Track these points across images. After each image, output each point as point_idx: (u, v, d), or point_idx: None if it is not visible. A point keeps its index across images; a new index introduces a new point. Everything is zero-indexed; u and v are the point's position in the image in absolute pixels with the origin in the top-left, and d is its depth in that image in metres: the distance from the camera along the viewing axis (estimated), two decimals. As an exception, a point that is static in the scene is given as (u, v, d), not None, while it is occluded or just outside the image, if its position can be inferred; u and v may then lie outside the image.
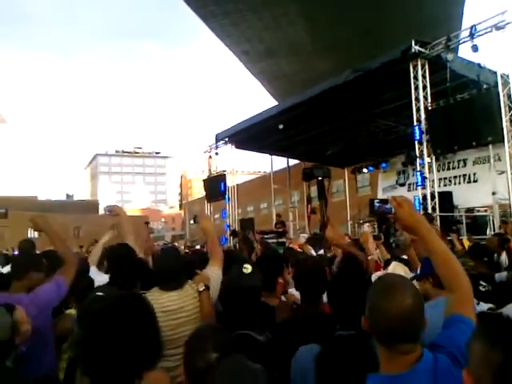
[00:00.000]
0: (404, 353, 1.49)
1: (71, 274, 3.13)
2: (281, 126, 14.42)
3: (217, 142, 18.22)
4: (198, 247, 13.56)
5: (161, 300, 2.94)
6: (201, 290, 2.99)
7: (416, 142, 10.93)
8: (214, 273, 3.21)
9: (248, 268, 2.62)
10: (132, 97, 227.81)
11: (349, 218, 20.23)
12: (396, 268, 4.00)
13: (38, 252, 5.31)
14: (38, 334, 2.49)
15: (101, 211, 47.12)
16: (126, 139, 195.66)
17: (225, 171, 18.86)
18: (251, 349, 2.09)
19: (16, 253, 10.06)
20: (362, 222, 16.63)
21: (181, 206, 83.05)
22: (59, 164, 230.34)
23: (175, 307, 2.94)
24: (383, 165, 18.59)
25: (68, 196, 74.26)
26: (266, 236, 14.39)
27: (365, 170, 19.91)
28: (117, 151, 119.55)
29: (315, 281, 2.82)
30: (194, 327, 2.62)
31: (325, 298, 2.82)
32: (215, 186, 18.50)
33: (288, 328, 2.54)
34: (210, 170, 19.47)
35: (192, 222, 3.86)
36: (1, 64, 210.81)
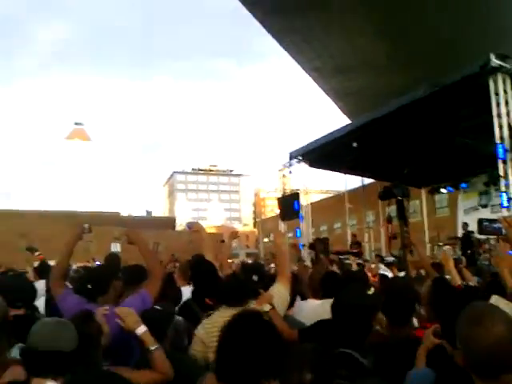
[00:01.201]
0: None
1: (157, 287, 3.19)
2: (355, 144, 14.27)
3: (290, 160, 18.33)
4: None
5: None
6: (267, 310, 2.93)
7: (500, 161, 10.39)
8: (280, 292, 3.19)
9: (371, 290, 2.63)
10: (208, 115, 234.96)
11: (427, 240, 19.46)
12: (498, 302, 3.64)
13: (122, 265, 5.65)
14: (123, 348, 2.63)
15: (178, 227, 48.68)
16: (201, 157, 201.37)
17: (299, 190, 18.89)
18: (352, 370, 2.06)
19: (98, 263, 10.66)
20: (441, 244, 15.95)
21: (255, 224, 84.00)
22: (139, 181, 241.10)
23: None
24: (463, 185, 17.80)
25: (147, 212, 77.35)
26: (341, 256, 14.21)
27: (443, 191, 19.11)
28: (193, 169, 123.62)
29: (406, 303, 2.78)
30: None
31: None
32: (289, 204, 18.54)
33: (386, 352, 2.47)
34: (283, 188, 19.59)
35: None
36: (84, 83, 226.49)
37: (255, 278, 3.81)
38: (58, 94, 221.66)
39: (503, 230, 1.83)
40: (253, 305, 3.02)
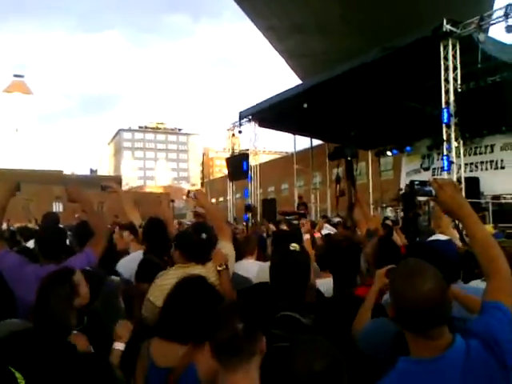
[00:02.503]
0: (432, 338, 1.46)
1: (102, 245, 3.19)
2: (305, 105, 14.27)
3: (240, 119, 18.16)
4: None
5: (186, 273, 2.95)
6: (220, 268, 3.01)
7: (444, 125, 10.71)
8: (227, 249, 3.24)
9: (296, 247, 2.57)
10: (156, 72, 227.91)
11: (371, 202, 20.06)
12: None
13: (61, 225, 5.43)
14: None
15: (124, 187, 47.66)
16: (149, 115, 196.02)
17: (247, 150, 18.83)
18: (295, 331, 2.07)
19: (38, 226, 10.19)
20: (385, 206, 16.48)
21: (202, 184, 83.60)
22: (83, 139, 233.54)
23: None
24: (407, 148, 18.30)
25: (92, 171, 75.37)
26: (287, 217, 14.39)
27: (389, 153, 19.62)
28: (140, 127, 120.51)
29: (351, 263, 2.85)
30: None
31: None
32: (238, 164, 18.50)
33: (328, 310, 2.53)
34: (232, 148, 19.47)
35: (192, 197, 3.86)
36: (28, 36, 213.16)
37: (204, 236, 3.80)
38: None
39: (433, 192, 1.83)
40: (210, 264, 3.08)
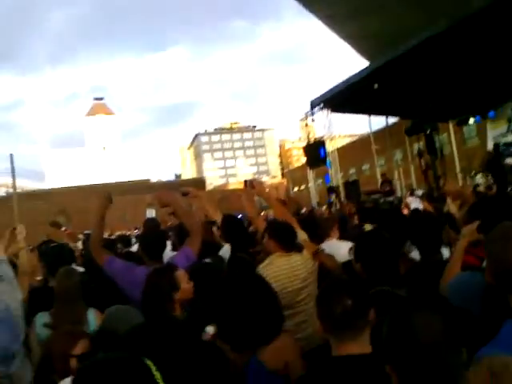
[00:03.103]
0: None
1: (198, 242, 3.34)
2: (376, 86, 14.14)
3: (312, 108, 18.27)
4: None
5: (292, 261, 3.16)
6: (319, 251, 3.22)
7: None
8: (304, 235, 3.39)
9: (368, 227, 2.79)
10: (223, 76, 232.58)
11: (459, 171, 19.32)
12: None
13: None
14: None
15: (208, 187, 49.33)
16: (222, 117, 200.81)
17: (323, 137, 18.91)
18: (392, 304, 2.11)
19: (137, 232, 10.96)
20: (473, 173, 15.87)
21: (283, 175, 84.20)
22: (165, 148, 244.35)
23: (302, 269, 3.18)
24: (491, 113, 17.42)
25: (176, 176, 78.51)
26: (373, 196, 14.33)
27: (471, 121, 18.74)
28: (215, 129, 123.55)
29: (432, 233, 2.88)
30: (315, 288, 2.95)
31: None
32: (315, 152, 18.58)
33: (419, 276, 2.59)
34: (308, 137, 19.61)
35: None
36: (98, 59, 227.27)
37: None
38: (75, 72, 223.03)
39: None
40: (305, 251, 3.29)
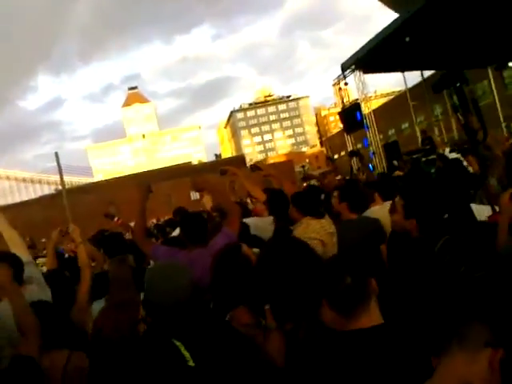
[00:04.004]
0: None
1: (236, 222, 3.40)
2: (407, 39, 13.63)
3: (343, 71, 17.89)
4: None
5: (323, 224, 3.38)
6: None
7: None
8: None
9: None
10: (252, 49, 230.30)
11: (502, 120, 18.52)
12: None
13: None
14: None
15: (248, 163, 49.63)
16: (255, 92, 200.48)
17: (357, 99, 18.53)
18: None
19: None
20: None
21: (322, 143, 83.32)
22: (202, 129, 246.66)
23: (332, 230, 3.38)
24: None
25: (216, 156, 79.05)
26: (413, 156, 13.96)
27: (511, 64, 17.82)
28: (250, 104, 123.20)
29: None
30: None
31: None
32: (351, 116, 18.24)
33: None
34: (342, 101, 19.23)
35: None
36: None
37: (322, 196, 4.23)
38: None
39: None
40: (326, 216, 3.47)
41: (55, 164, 4.35)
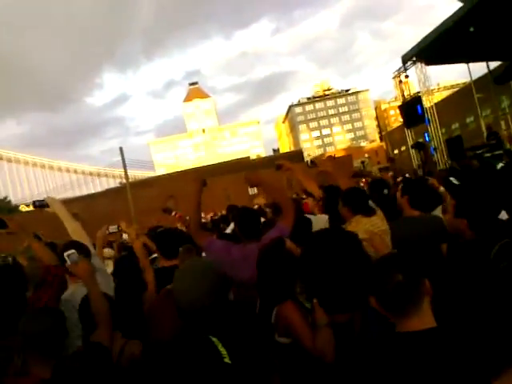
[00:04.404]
0: None
1: (290, 217, 3.34)
2: (472, 29, 13.11)
3: (404, 63, 17.47)
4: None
5: (373, 222, 3.35)
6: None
7: None
8: None
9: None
10: (310, 43, 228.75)
11: None
12: None
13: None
14: None
15: (306, 158, 49.43)
16: (313, 84, 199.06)
17: (419, 92, 18.02)
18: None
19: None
20: None
21: (381, 138, 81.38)
22: (262, 124, 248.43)
23: (384, 228, 3.30)
24: None
25: (274, 151, 79.26)
26: (478, 151, 13.39)
27: None
28: (308, 98, 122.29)
29: None
30: None
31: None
32: (412, 110, 17.79)
33: None
34: (403, 94, 18.79)
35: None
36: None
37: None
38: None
39: None
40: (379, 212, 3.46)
41: (120, 158, 4.61)
